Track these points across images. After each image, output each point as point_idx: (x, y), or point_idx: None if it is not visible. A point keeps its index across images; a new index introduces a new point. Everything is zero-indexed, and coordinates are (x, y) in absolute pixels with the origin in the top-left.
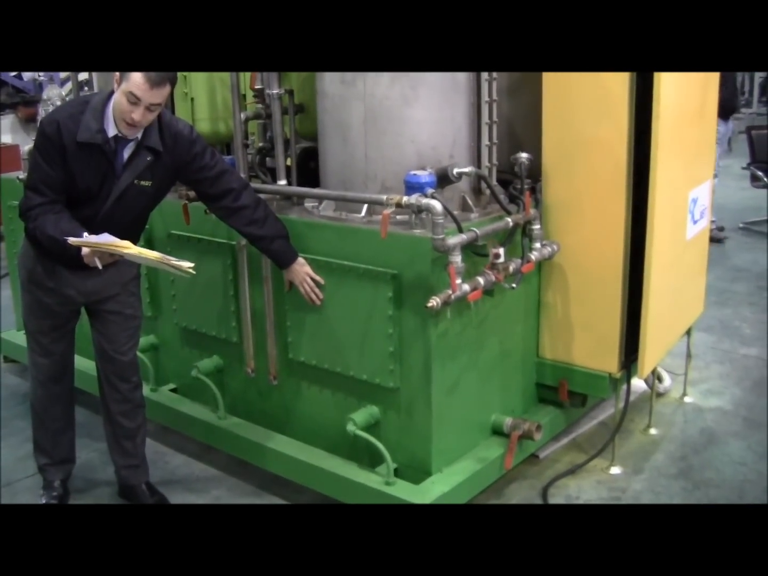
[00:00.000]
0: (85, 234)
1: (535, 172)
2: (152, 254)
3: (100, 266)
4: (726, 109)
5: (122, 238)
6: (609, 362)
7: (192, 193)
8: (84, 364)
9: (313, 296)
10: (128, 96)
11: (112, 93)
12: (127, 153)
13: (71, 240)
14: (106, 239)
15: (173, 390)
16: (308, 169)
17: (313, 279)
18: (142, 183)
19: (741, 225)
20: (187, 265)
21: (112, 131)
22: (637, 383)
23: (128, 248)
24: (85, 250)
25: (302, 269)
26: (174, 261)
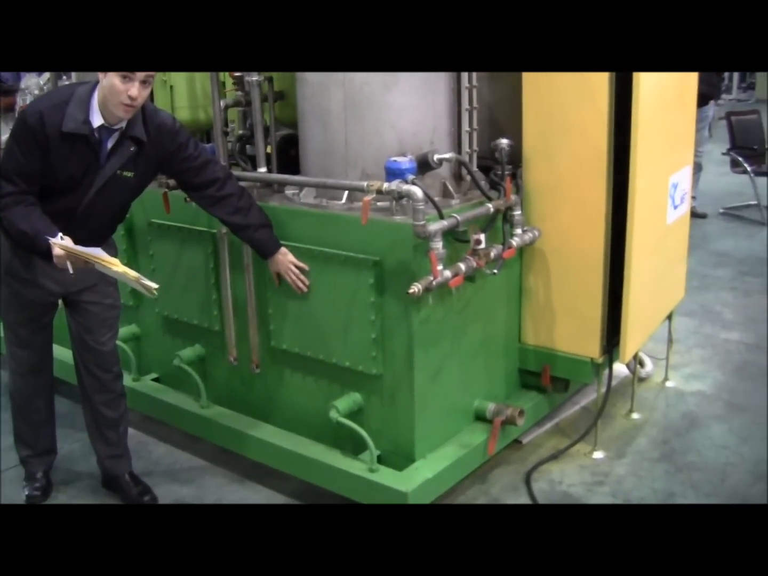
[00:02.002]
0: (68, 239)
1: (515, 157)
2: (132, 274)
3: (71, 270)
4: (706, 96)
5: (101, 229)
6: (591, 347)
7: (172, 182)
8: (64, 354)
9: (300, 284)
10: (120, 76)
11: (96, 84)
12: (110, 143)
13: (55, 242)
14: (96, 253)
15: (155, 379)
16: (288, 156)
17: (297, 266)
18: (125, 174)
19: (722, 210)
20: (154, 286)
21: (97, 121)
22: (619, 368)
23: (116, 266)
24: (57, 251)
25: (286, 258)
26: (146, 281)
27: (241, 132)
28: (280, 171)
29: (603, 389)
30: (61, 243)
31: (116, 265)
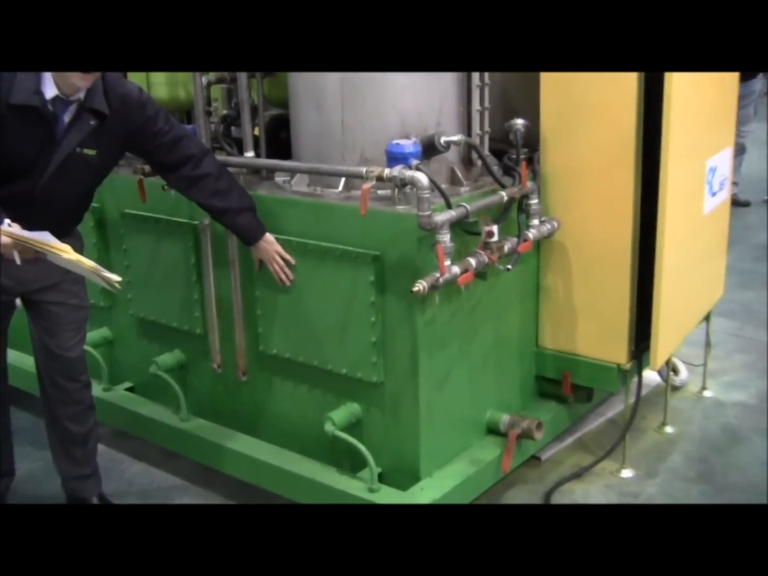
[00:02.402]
0: (17, 226)
1: (532, 140)
2: (88, 264)
3: (18, 261)
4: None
5: (63, 218)
6: (617, 352)
7: (148, 167)
8: (24, 361)
9: (283, 276)
10: None
11: None
12: (67, 117)
13: (2, 229)
14: (44, 238)
15: (129, 389)
16: (278, 140)
17: (283, 258)
18: (86, 151)
19: (767, 198)
20: (115, 278)
21: (50, 92)
22: (650, 375)
23: (67, 253)
24: (3, 239)
25: (271, 247)
26: (105, 273)
27: (225, 112)
28: (269, 156)
29: (631, 399)
30: (7, 230)
31: (68, 253)
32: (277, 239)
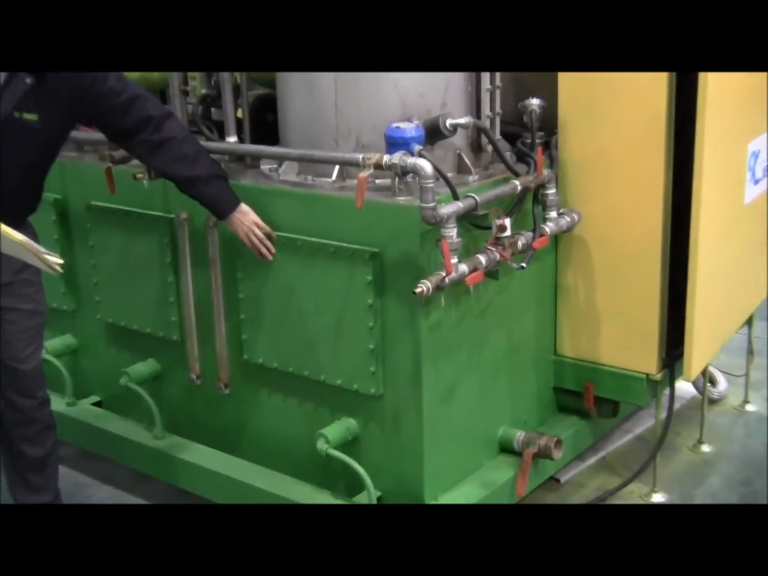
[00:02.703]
0: None
1: (549, 122)
2: (18, 237)
3: None
4: None
5: (10, 201)
6: (646, 360)
7: (117, 154)
8: None
9: (263, 249)
10: None
11: None
12: (1, 79)
13: None
14: None
15: (97, 404)
16: (264, 123)
17: (261, 229)
18: (26, 116)
19: None
20: (55, 260)
21: None
22: (684, 387)
23: None
24: None
25: (246, 217)
26: (42, 251)
27: (204, 92)
28: (254, 141)
29: (663, 414)
30: None
31: None
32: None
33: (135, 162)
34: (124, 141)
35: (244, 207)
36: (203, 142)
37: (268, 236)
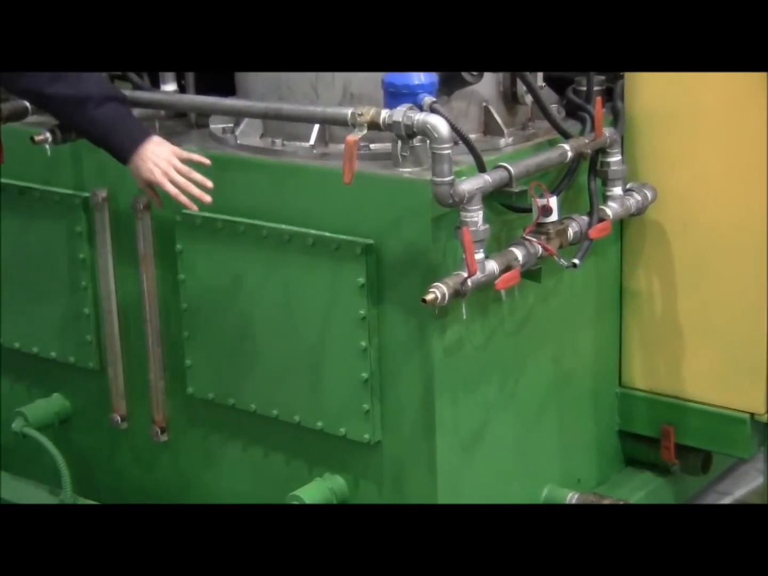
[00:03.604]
0: None
1: None
2: None
3: None
4: None
5: None
6: (750, 395)
7: (6, 106)
8: None
9: (195, 190)
10: None
11: None
12: None
13: None
14: None
15: None
16: None
17: (184, 161)
18: None
19: None
20: None
21: None
22: None
23: None
24: None
25: (162, 150)
26: None
27: None
28: (201, 91)
29: None
30: None
31: None
32: (214, 220)
33: (33, 118)
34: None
35: (156, 138)
36: (130, 91)
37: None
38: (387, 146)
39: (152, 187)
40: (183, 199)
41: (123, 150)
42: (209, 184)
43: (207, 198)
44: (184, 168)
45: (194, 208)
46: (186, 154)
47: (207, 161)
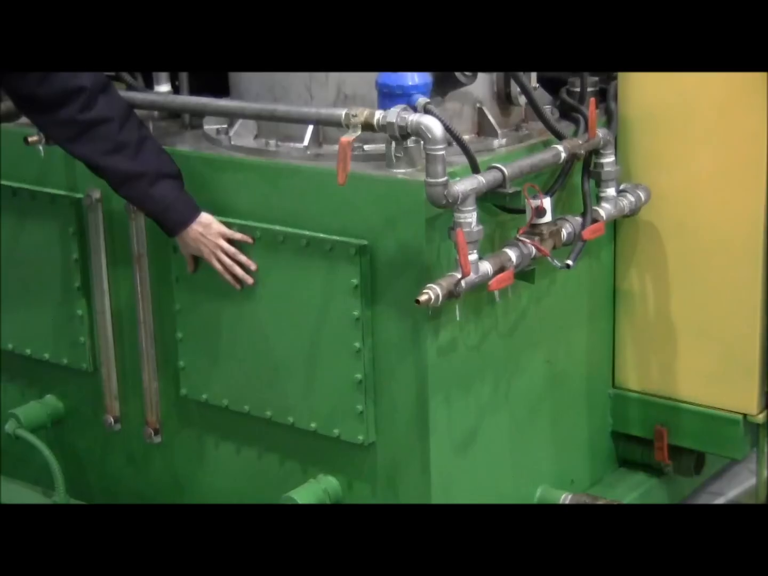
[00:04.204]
0: None
1: None
2: None
3: None
4: None
5: None
6: (743, 396)
7: (3, 106)
8: None
9: (239, 270)
10: None
11: None
12: None
13: None
14: None
15: None
16: None
17: (232, 243)
18: None
19: None
20: None
21: None
22: None
23: None
24: None
25: (210, 231)
26: None
27: None
28: (195, 91)
29: (766, 471)
30: None
31: None
32: None
33: (26, 119)
34: (38, 115)
35: (205, 217)
36: (124, 92)
37: (244, 250)
38: (381, 147)
39: (194, 256)
40: (228, 277)
41: (173, 228)
42: (253, 266)
43: (249, 280)
44: (231, 249)
45: (237, 287)
46: (229, 233)
47: (250, 240)
